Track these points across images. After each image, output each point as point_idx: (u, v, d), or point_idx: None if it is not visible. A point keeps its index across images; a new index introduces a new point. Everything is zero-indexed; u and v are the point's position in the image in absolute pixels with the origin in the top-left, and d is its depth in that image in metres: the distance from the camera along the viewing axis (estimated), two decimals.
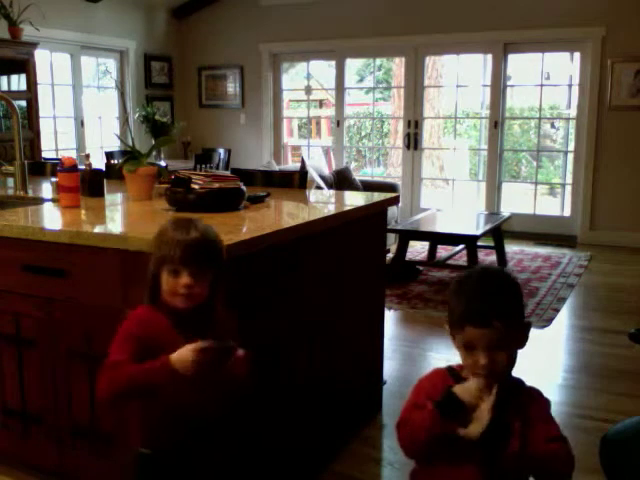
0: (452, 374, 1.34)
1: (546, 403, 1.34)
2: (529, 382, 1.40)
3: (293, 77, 9.78)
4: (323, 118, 11.13)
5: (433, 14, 6.82)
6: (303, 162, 5.84)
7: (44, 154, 5.96)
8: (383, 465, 2.46)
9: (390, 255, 4.94)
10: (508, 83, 6.99)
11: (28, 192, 2.79)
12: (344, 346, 2.47)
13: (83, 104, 7.02)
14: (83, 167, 2.56)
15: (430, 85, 8.55)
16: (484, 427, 1.20)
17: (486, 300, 1.25)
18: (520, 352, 1.32)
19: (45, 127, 6.29)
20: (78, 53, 6.90)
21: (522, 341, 1.31)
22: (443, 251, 5.72)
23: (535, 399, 1.33)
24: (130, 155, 2.49)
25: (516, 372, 1.40)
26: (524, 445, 1.22)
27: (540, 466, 1.25)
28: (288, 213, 2.50)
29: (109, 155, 6.00)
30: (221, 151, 7.38)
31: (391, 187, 6.42)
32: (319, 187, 5.58)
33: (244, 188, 2.29)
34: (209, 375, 1.40)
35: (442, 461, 1.32)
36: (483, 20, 6.61)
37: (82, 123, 7.01)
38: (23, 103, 5.68)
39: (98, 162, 5.02)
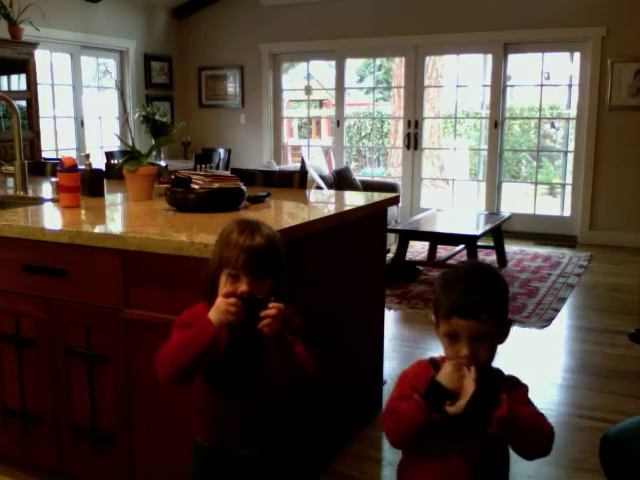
0: (434, 365, 1.37)
1: (525, 389, 1.37)
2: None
3: (293, 77, 9.78)
4: (323, 118, 11.12)
5: (433, 14, 6.82)
6: (303, 162, 5.84)
7: (44, 154, 5.96)
8: (383, 465, 2.46)
9: (390, 255, 4.94)
10: (508, 83, 6.99)
11: (28, 192, 2.79)
12: (344, 346, 2.47)
13: (83, 104, 7.02)
14: (83, 167, 2.56)
15: (430, 85, 8.56)
16: (470, 397, 1.23)
17: (475, 293, 1.29)
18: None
19: (45, 127, 6.29)
20: (78, 53, 6.91)
21: (503, 337, 1.35)
22: (443, 251, 5.72)
23: (515, 385, 1.37)
24: (130, 155, 2.49)
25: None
26: (511, 412, 1.24)
27: (525, 432, 1.28)
28: (288, 213, 2.50)
29: (109, 155, 6.00)
30: (221, 151, 7.39)
31: (391, 187, 6.42)
32: (319, 187, 5.58)
33: (244, 188, 2.29)
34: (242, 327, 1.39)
35: (427, 450, 1.34)
36: (483, 20, 6.61)
37: (82, 123, 7.01)
38: (23, 103, 5.69)
39: (98, 162, 5.02)
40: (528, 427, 1.27)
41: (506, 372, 1.39)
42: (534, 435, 1.29)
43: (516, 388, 1.35)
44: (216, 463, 1.56)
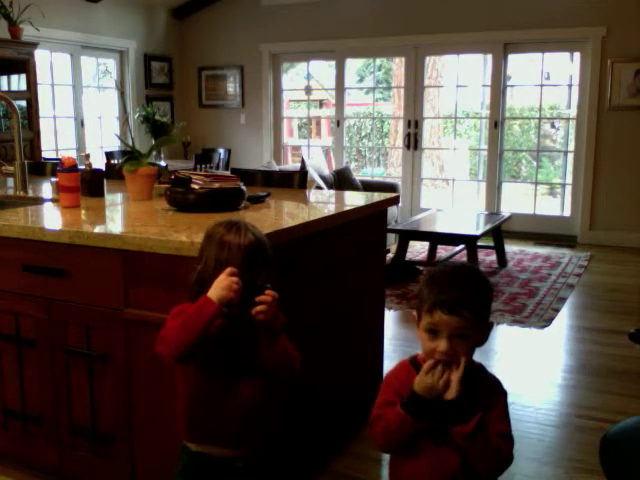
0: (415, 365, 1.38)
1: (504, 396, 1.39)
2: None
3: (293, 77, 9.78)
4: (323, 118, 11.12)
5: (433, 14, 6.82)
6: (303, 162, 5.84)
7: (44, 154, 5.96)
8: (383, 465, 2.45)
9: (390, 255, 4.94)
10: (508, 83, 6.99)
11: (28, 192, 2.79)
12: (344, 346, 2.47)
13: (83, 104, 7.02)
14: (83, 167, 2.56)
15: (430, 85, 8.55)
16: (452, 397, 1.26)
17: (459, 289, 1.31)
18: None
19: (45, 127, 6.29)
20: (78, 53, 6.90)
21: (483, 339, 1.36)
22: (443, 251, 5.73)
23: (495, 389, 1.38)
24: (130, 155, 2.49)
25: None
26: (479, 430, 1.27)
27: (484, 454, 1.30)
28: (288, 213, 2.50)
29: (109, 155, 6.00)
30: (221, 151, 7.39)
31: (391, 187, 6.42)
32: (319, 187, 5.58)
33: (244, 188, 2.29)
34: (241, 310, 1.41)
35: (416, 448, 1.35)
36: (483, 20, 6.61)
37: (82, 123, 7.01)
38: (23, 103, 5.69)
39: (98, 162, 5.02)
40: (488, 451, 1.30)
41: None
42: (491, 459, 1.31)
43: (494, 393, 1.37)
44: (204, 467, 1.56)
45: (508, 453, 1.33)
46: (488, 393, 1.35)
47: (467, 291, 1.31)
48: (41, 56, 6.18)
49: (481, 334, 1.34)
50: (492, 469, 1.34)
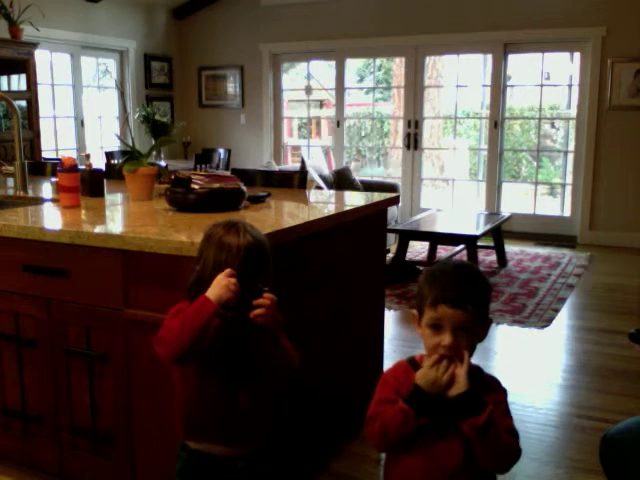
0: (413, 365, 1.38)
1: (504, 393, 1.39)
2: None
3: (293, 77, 9.77)
4: (323, 118, 11.11)
5: (433, 14, 6.82)
6: (303, 162, 5.84)
7: (44, 154, 5.96)
8: (382, 465, 2.45)
9: (390, 255, 4.94)
10: (508, 83, 6.99)
11: (28, 192, 2.79)
12: (344, 346, 2.47)
13: (83, 104, 7.02)
14: (83, 167, 2.56)
15: (430, 85, 8.55)
16: (461, 390, 1.26)
17: (463, 285, 1.33)
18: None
19: (45, 127, 6.29)
20: (78, 53, 6.91)
21: (483, 335, 1.37)
22: (443, 251, 5.72)
23: (494, 388, 1.38)
24: (130, 155, 2.49)
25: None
26: (489, 424, 1.27)
27: (493, 447, 1.29)
28: (288, 213, 2.50)
29: (109, 155, 6.00)
30: (221, 151, 7.39)
31: (391, 187, 6.42)
32: (319, 187, 5.58)
33: (244, 188, 2.29)
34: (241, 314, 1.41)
35: (413, 446, 1.35)
36: (483, 20, 6.61)
37: (82, 123, 7.01)
38: (23, 103, 5.69)
39: (98, 162, 5.02)
40: (498, 444, 1.29)
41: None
42: (502, 454, 1.31)
43: (495, 391, 1.37)
44: (203, 465, 1.56)
45: (516, 447, 1.33)
46: (489, 392, 1.35)
47: (470, 286, 1.33)
48: (41, 56, 6.18)
49: (482, 330, 1.36)
50: (502, 464, 1.34)
